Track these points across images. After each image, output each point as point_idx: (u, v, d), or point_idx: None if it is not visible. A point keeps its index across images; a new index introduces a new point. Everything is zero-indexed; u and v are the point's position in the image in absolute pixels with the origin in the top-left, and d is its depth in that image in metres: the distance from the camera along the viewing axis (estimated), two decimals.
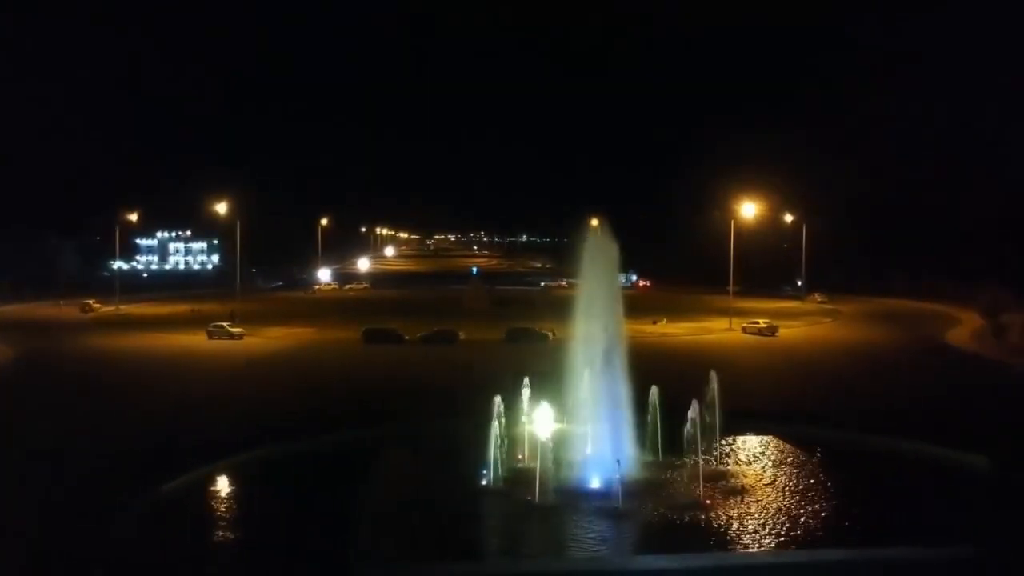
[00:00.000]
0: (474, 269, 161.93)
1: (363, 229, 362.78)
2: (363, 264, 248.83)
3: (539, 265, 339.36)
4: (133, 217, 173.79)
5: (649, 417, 45.82)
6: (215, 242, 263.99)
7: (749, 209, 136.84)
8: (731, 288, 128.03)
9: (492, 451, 42.28)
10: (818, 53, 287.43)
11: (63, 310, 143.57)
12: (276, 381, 76.71)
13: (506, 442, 43.75)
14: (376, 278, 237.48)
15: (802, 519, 37.33)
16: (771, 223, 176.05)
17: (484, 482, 41.66)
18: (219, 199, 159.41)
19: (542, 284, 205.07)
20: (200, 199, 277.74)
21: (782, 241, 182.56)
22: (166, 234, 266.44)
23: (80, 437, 53.16)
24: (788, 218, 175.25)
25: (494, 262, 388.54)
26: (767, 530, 36.00)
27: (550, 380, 48.63)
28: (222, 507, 41.17)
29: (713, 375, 45.70)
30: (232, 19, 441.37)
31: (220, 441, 49.80)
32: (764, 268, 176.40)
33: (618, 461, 39.35)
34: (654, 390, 45.92)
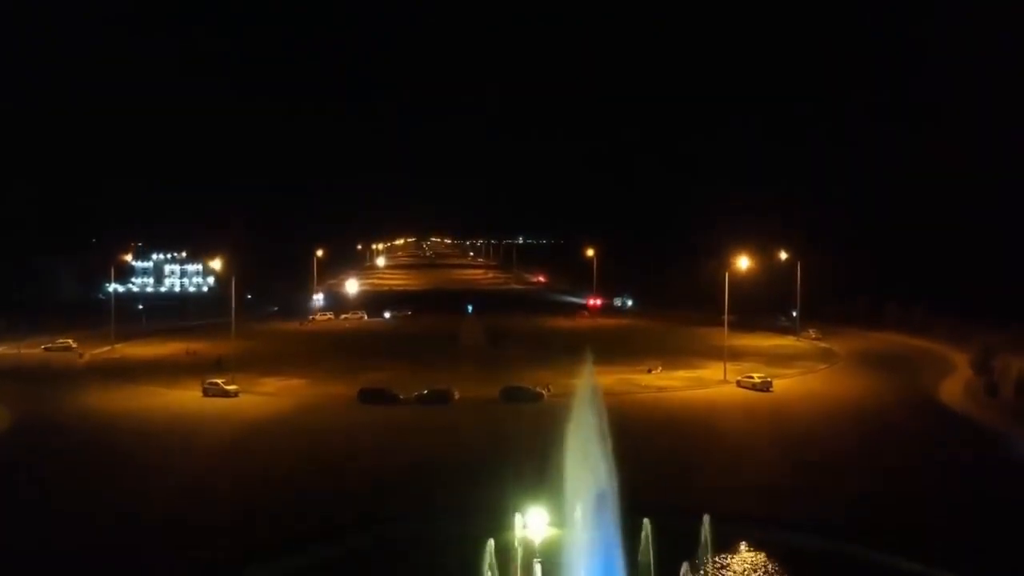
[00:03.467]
0: (469, 307, 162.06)
1: (359, 247, 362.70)
2: (352, 287, 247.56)
3: (538, 279, 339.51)
4: (128, 256, 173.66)
5: (641, 553, 46.26)
6: (211, 263, 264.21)
7: (743, 261, 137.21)
8: (726, 325, 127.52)
9: None
10: (818, 85, 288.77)
11: (44, 354, 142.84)
12: (271, 462, 76.50)
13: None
14: (370, 299, 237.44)
15: None
16: (767, 256, 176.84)
17: None
18: (214, 222, 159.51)
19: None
20: (195, 222, 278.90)
21: (777, 271, 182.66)
22: (161, 256, 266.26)
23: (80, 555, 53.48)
24: (783, 255, 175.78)
25: (490, 275, 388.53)
26: None
27: (542, 465, 48.88)
28: None
29: (707, 520, 46.06)
30: (222, 23, 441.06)
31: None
32: (759, 296, 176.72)
33: None
34: (646, 523, 46.33)
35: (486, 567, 43.02)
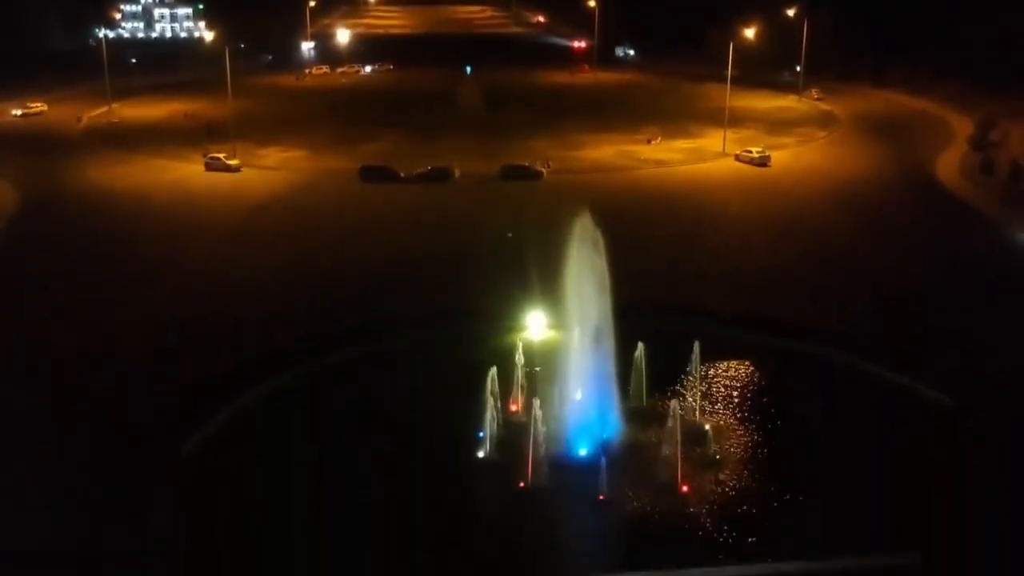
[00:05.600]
0: (468, 68, 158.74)
1: None
2: (343, 37, 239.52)
3: (537, 19, 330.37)
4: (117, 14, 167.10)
5: (634, 372, 49.02)
6: (200, 7, 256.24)
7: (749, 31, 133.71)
8: (728, 83, 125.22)
9: (487, 421, 45.47)
10: None
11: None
12: (275, 254, 76.81)
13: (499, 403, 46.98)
14: (362, 45, 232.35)
15: (763, 500, 41.53)
16: (774, 15, 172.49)
17: (480, 452, 45.08)
18: None
19: None
20: None
21: (783, 27, 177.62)
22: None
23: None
24: (790, 12, 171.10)
25: (487, 13, 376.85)
26: (734, 526, 39.84)
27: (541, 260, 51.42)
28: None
29: (696, 346, 48.60)
30: None
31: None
32: (764, 54, 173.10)
33: (602, 459, 42.62)
34: (640, 348, 48.80)
35: (488, 389, 45.71)
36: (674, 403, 44.50)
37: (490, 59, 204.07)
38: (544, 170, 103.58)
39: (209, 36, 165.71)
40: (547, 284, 53.38)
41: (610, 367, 47.07)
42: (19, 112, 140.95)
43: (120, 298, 66.62)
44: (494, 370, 46.39)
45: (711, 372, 52.79)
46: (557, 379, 48.28)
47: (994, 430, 46.71)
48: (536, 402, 43.86)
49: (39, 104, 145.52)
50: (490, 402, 45.68)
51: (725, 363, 54.25)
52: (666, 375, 50.22)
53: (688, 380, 50.32)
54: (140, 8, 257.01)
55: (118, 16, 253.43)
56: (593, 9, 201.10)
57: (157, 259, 75.74)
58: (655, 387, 49.42)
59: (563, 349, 49.60)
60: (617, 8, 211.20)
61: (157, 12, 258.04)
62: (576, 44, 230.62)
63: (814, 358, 55.25)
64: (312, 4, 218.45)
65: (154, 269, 73.23)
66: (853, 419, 48.45)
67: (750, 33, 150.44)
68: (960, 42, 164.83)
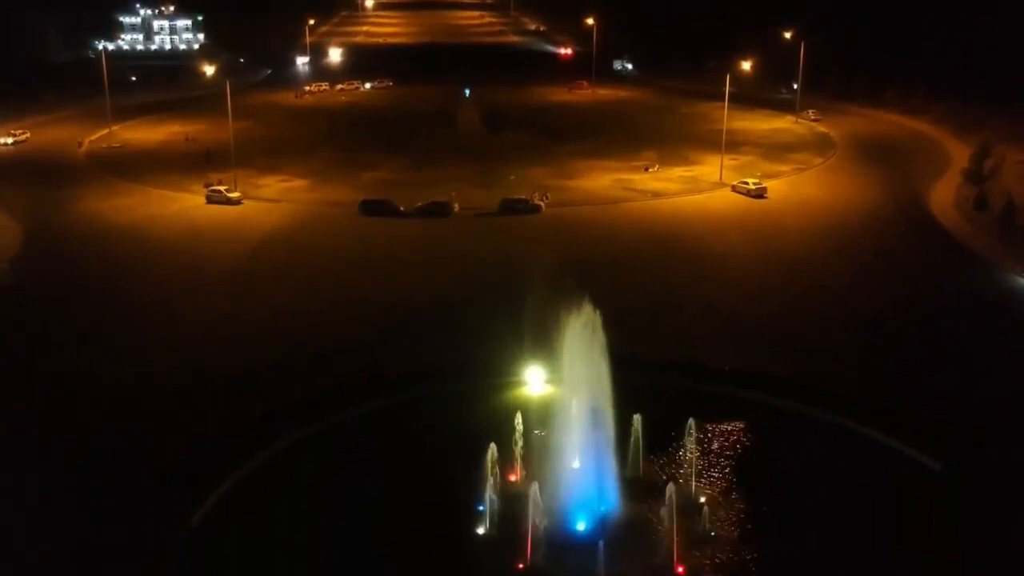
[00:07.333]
0: (467, 91, 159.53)
1: None
2: (341, 52, 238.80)
3: (538, 29, 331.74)
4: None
5: (632, 441, 49.84)
6: (199, 18, 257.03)
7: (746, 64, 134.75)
8: (726, 110, 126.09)
9: (487, 498, 46.26)
10: None
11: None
12: (275, 303, 76.80)
13: (498, 467, 47.84)
14: (362, 58, 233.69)
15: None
16: (770, 36, 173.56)
17: (480, 529, 45.91)
18: None
19: None
20: None
21: (780, 48, 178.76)
22: (149, 11, 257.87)
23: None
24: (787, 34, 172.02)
25: (486, 20, 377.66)
26: None
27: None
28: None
29: (691, 423, 49.43)
30: None
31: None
32: (760, 74, 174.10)
33: (600, 541, 43.50)
34: (637, 418, 49.58)
35: (488, 465, 46.57)
36: (670, 486, 45.15)
37: (488, 72, 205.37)
38: (542, 203, 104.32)
39: (211, 70, 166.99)
40: (543, 338, 54.16)
41: (607, 435, 48.04)
42: (9, 140, 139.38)
43: (118, 358, 66.57)
44: (493, 446, 47.26)
45: (704, 435, 53.21)
46: (553, 449, 49.24)
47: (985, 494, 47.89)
48: (535, 485, 44.65)
49: (22, 131, 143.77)
50: (489, 480, 46.49)
51: (719, 425, 54.67)
52: (662, 441, 51.01)
53: (683, 449, 51.02)
54: (139, 20, 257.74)
55: (120, 39, 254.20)
56: (592, 26, 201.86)
57: (156, 309, 75.71)
58: (652, 452, 50.22)
59: (559, 415, 50.37)
60: (617, 17, 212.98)
61: (156, 24, 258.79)
62: (563, 51, 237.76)
63: (806, 419, 56.06)
64: (311, 22, 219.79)
65: (153, 321, 73.32)
66: (847, 486, 49.18)
67: (747, 66, 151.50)
68: (959, 48, 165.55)
